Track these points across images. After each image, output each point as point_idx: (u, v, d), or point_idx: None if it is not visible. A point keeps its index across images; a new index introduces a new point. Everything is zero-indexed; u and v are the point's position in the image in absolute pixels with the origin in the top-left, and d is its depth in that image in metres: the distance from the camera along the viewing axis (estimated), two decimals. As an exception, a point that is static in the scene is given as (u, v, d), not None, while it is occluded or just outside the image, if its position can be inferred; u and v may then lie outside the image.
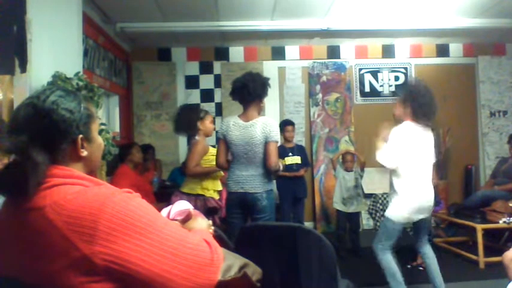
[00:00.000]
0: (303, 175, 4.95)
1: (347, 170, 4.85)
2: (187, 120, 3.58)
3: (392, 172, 3.06)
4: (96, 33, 4.53)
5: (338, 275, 1.70)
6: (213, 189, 3.56)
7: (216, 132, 4.16)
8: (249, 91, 3.08)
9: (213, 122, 3.76)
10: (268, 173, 3.09)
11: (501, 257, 2.47)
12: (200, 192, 3.49)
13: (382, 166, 3.06)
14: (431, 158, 3.11)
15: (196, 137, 3.56)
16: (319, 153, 6.18)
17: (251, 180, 3.04)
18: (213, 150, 3.57)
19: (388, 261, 3.05)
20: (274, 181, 4.52)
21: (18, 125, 1.03)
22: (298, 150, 5.01)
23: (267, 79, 3.22)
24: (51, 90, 1.09)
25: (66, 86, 2.73)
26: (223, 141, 3.17)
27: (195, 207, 3.38)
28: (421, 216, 3.04)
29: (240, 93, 3.14)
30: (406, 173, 2.99)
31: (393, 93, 6.31)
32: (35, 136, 1.00)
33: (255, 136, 3.02)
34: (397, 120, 3.12)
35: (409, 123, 3.03)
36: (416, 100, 3.00)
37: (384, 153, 3.00)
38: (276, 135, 3.03)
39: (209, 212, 3.40)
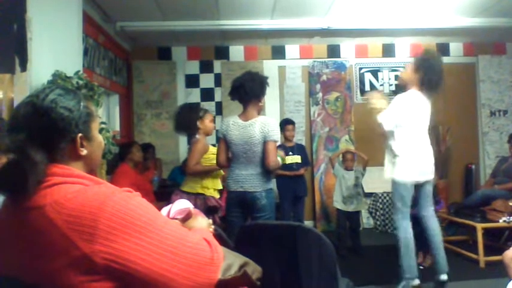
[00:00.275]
0: (303, 174, 4.95)
1: (347, 169, 4.85)
2: (187, 120, 3.58)
3: (392, 137, 3.14)
4: (96, 32, 4.53)
5: (338, 274, 1.70)
6: (213, 188, 3.56)
7: (217, 131, 4.17)
8: (247, 90, 3.09)
9: (213, 121, 3.76)
10: (268, 172, 3.10)
11: (501, 256, 2.47)
12: (200, 191, 3.50)
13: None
14: (427, 124, 3.22)
15: (197, 136, 3.57)
16: (319, 153, 6.17)
17: (250, 179, 3.05)
18: (213, 149, 3.58)
19: (406, 230, 3.06)
20: (274, 180, 4.54)
21: (17, 123, 1.03)
22: (299, 149, 5.01)
23: (265, 78, 3.22)
24: (51, 88, 1.09)
25: (66, 84, 2.73)
26: (223, 141, 3.18)
27: (195, 206, 3.39)
28: (424, 178, 3.10)
29: (238, 92, 3.15)
30: (406, 136, 3.08)
31: (393, 93, 6.32)
32: (33, 135, 1.00)
33: (253, 135, 3.02)
34: (401, 85, 3.20)
35: (414, 91, 3.13)
36: (428, 71, 3.10)
37: (384, 115, 3.08)
38: (274, 135, 3.03)
39: (209, 211, 3.40)
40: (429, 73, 3.08)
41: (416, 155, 3.08)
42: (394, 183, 3.12)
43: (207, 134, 3.64)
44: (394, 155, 3.10)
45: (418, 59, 3.22)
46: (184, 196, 3.35)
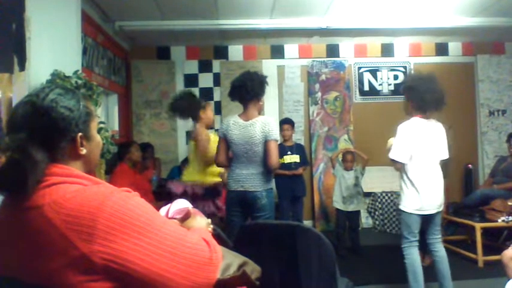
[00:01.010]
0: (301, 174, 4.94)
1: (346, 169, 4.85)
2: (190, 106, 3.60)
3: (402, 168, 3.05)
4: (95, 32, 4.52)
5: (337, 274, 1.70)
6: (212, 175, 3.58)
7: (217, 130, 4.17)
8: (247, 90, 3.10)
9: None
10: (269, 171, 3.10)
11: (500, 256, 2.48)
12: (198, 178, 3.50)
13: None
14: (440, 153, 3.10)
15: (197, 126, 3.56)
16: (318, 152, 6.18)
17: (251, 179, 3.05)
18: (215, 138, 3.54)
19: (413, 258, 3.02)
20: (273, 180, 4.54)
21: (16, 123, 1.03)
22: (298, 149, 5.00)
23: (265, 77, 3.23)
24: (50, 88, 1.09)
25: (65, 84, 2.72)
26: (223, 140, 3.17)
27: (192, 192, 3.39)
28: (430, 210, 3.01)
29: (238, 92, 3.16)
30: (412, 167, 2.99)
31: (392, 92, 6.32)
32: (33, 134, 1.00)
33: (254, 135, 3.02)
34: (408, 116, 3.12)
35: (416, 118, 3.04)
36: (415, 94, 3.01)
37: (394, 150, 2.99)
38: (275, 134, 3.03)
39: (210, 194, 3.42)
40: (418, 97, 2.99)
41: (424, 187, 2.98)
42: (402, 213, 3.07)
43: (208, 124, 3.64)
44: (404, 183, 3.04)
45: (404, 89, 3.15)
46: (181, 184, 3.37)
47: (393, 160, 3.01)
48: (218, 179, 3.62)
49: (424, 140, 3.03)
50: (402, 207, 3.05)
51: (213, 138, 3.59)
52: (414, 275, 3.00)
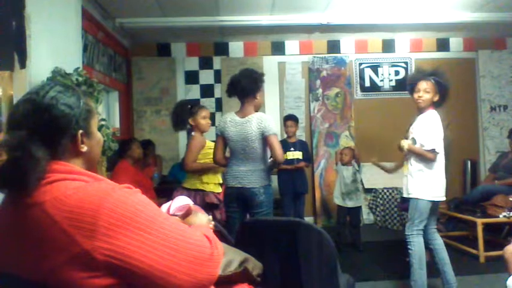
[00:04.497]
0: (302, 167, 4.93)
1: (342, 164, 4.85)
2: (177, 117, 3.64)
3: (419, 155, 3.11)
4: (95, 29, 4.52)
5: (338, 269, 1.70)
6: (213, 183, 3.58)
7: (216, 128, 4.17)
8: (241, 87, 3.11)
9: (209, 117, 3.75)
10: (267, 168, 3.11)
11: (501, 251, 2.48)
12: (200, 187, 3.52)
13: (386, 160, 3.06)
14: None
15: (193, 133, 3.60)
16: (319, 148, 6.17)
17: (248, 176, 3.06)
18: (210, 144, 3.58)
19: (420, 246, 3.07)
20: (275, 176, 4.53)
21: (17, 120, 1.03)
22: (301, 145, 5.01)
23: (260, 74, 3.21)
24: (51, 85, 1.09)
25: (66, 81, 2.72)
26: (221, 138, 3.19)
27: (194, 202, 3.41)
28: (443, 197, 3.13)
29: (232, 90, 3.18)
30: (439, 157, 3.09)
31: (393, 88, 6.31)
32: (34, 131, 1.00)
33: (250, 132, 3.03)
34: (422, 108, 3.15)
35: (434, 111, 3.14)
36: (446, 92, 3.15)
37: (436, 141, 3.05)
38: (273, 128, 3.04)
39: (208, 207, 3.41)
40: (446, 91, 3.14)
41: (442, 175, 3.12)
42: (419, 201, 3.08)
43: (202, 130, 3.64)
44: (422, 172, 3.09)
45: (437, 82, 3.17)
46: (184, 192, 3.37)
47: (433, 151, 3.04)
48: (217, 188, 3.63)
49: (442, 131, 3.15)
50: (422, 195, 3.07)
51: (208, 145, 3.60)
52: (420, 263, 3.04)
